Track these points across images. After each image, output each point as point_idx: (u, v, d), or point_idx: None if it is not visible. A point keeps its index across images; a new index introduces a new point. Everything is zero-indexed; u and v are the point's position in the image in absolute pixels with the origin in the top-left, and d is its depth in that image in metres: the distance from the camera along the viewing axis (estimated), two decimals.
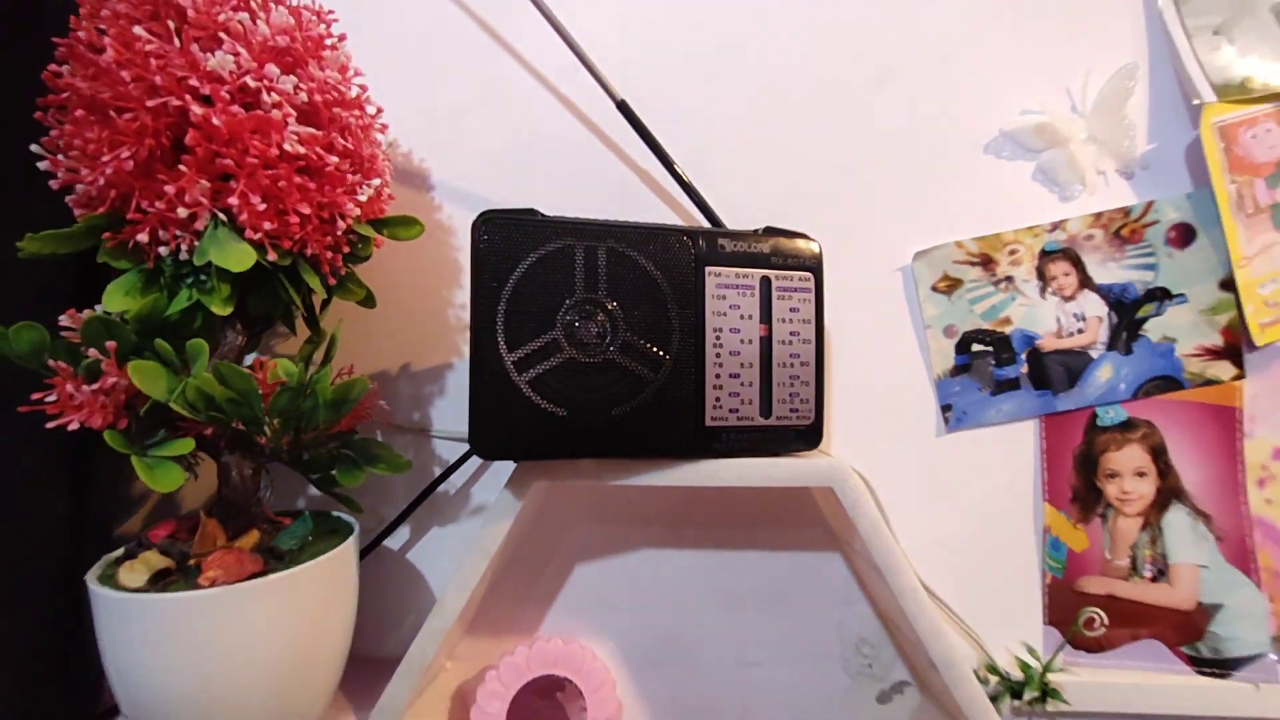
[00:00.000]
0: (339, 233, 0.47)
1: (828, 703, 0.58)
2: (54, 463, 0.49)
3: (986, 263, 0.58)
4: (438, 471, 0.59)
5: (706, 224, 0.57)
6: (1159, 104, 0.57)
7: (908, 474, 0.58)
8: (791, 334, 0.48)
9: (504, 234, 0.44)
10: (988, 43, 0.59)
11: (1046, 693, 0.52)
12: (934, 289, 0.58)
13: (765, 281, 0.48)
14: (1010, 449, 0.57)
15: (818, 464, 0.47)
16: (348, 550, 0.48)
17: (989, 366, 0.57)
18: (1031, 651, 0.54)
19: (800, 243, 0.49)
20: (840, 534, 0.57)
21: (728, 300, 0.47)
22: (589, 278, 0.45)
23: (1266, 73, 0.55)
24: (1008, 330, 0.57)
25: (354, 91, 0.48)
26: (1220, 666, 0.53)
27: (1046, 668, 0.53)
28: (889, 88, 0.59)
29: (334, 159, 0.44)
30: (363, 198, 0.47)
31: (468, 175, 0.61)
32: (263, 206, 0.41)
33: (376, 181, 0.49)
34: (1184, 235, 0.56)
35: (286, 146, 0.41)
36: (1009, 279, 0.58)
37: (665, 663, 0.59)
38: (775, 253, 0.48)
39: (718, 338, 0.46)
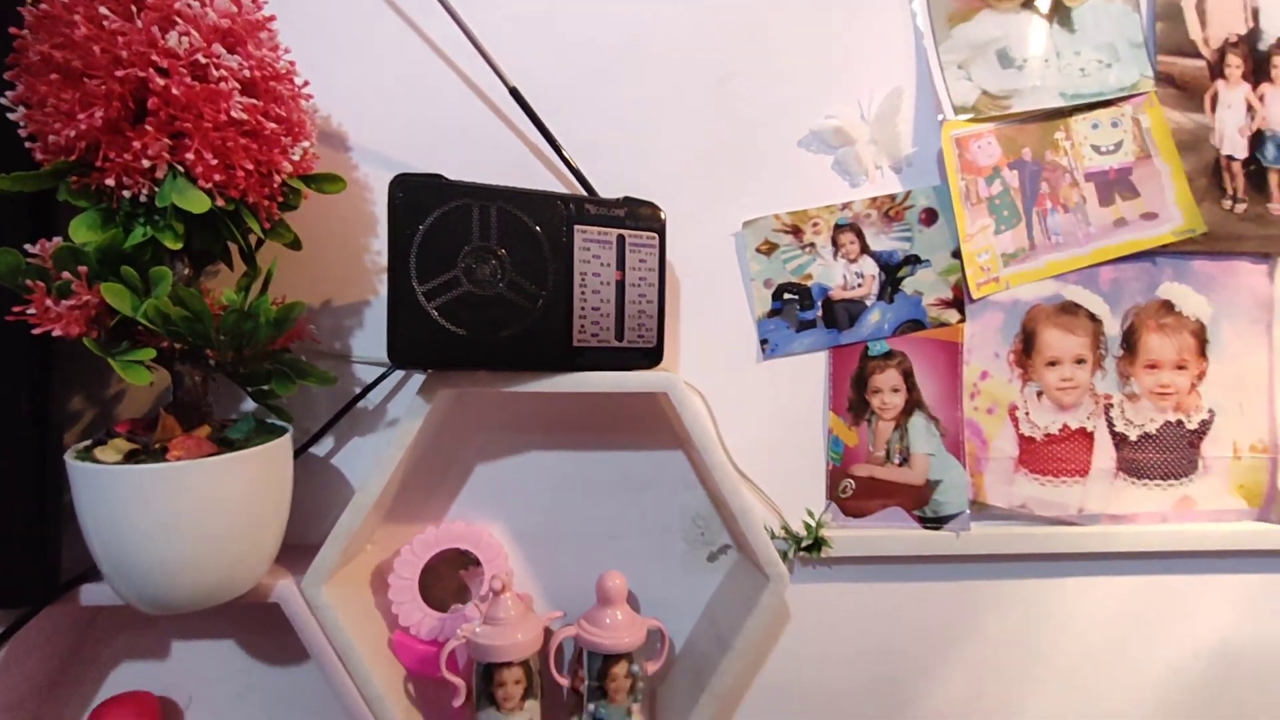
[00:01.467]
0: (275, 185, 0.57)
1: (671, 563, 0.77)
2: (17, 372, 0.57)
3: (796, 231, 0.76)
4: (357, 391, 0.72)
5: (583, 192, 0.71)
6: (922, 118, 0.77)
7: (736, 390, 0.76)
8: (640, 279, 0.64)
9: (414, 192, 0.56)
10: (803, 61, 0.76)
11: (819, 542, 0.73)
12: (757, 250, 0.76)
13: (621, 239, 0.63)
14: (808, 372, 0.77)
15: (657, 376, 0.64)
16: (285, 442, 0.60)
17: (796, 311, 0.76)
18: (811, 514, 0.75)
19: (649, 210, 0.65)
20: (681, 435, 0.75)
21: (591, 251, 0.62)
22: (483, 230, 0.58)
23: (990, 100, 0.76)
24: (809, 284, 0.76)
25: (283, 66, 0.58)
26: (937, 522, 0.76)
27: (819, 525, 0.74)
28: (731, 89, 0.76)
29: (271, 124, 0.55)
30: (295, 156, 0.57)
31: (387, 144, 0.72)
32: (214, 162, 0.51)
33: (306, 144, 0.59)
34: (930, 217, 0.76)
35: (233, 113, 0.52)
36: (812, 245, 0.76)
37: (548, 540, 0.76)
38: (630, 216, 0.64)
39: (583, 280, 0.62)
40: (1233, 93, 0.79)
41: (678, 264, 0.76)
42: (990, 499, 0.77)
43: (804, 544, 0.73)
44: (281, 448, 0.59)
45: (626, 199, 0.64)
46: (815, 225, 0.76)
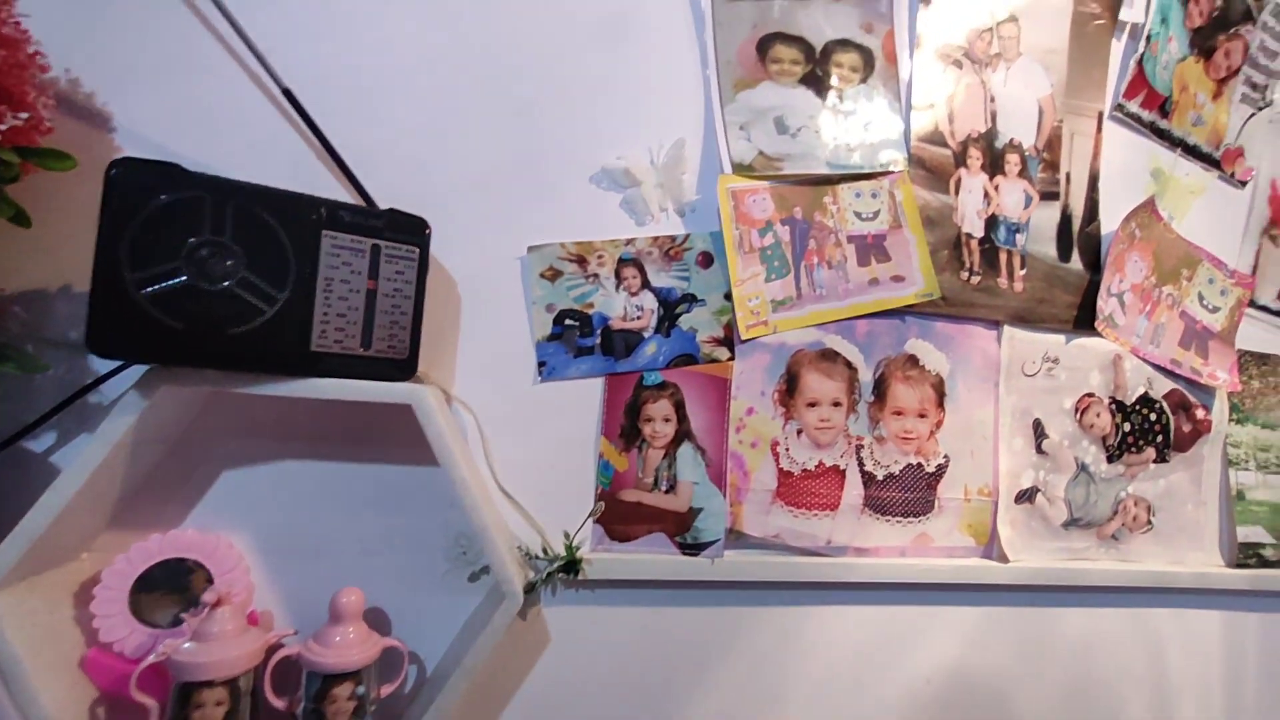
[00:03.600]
0: None
1: (431, 582, 0.75)
2: None
3: (581, 261, 0.80)
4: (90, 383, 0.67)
5: (360, 200, 0.71)
6: (706, 168, 0.83)
7: (512, 409, 0.77)
8: (395, 290, 0.64)
9: (137, 175, 0.54)
10: (600, 102, 0.81)
11: (574, 563, 0.74)
12: (542, 276, 0.78)
13: (376, 248, 0.63)
14: (584, 397, 0.79)
15: (402, 387, 0.64)
16: None
17: (575, 336, 0.79)
18: (567, 536, 0.76)
19: (414, 224, 0.66)
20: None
21: (341, 258, 0.62)
22: (215, 223, 0.57)
23: (765, 161, 0.83)
24: (591, 312, 0.80)
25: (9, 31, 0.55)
26: (695, 549, 0.80)
27: (573, 546, 0.75)
28: (529, 120, 0.79)
29: None
30: (3, 126, 0.54)
31: (156, 130, 0.69)
32: None
33: (26, 115, 0.56)
34: (707, 260, 0.82)
35: None
36: (596, 275, 0.80)
37: (297, 554, 0.72)
38: (390, 228, 0.64)
39: (328, 285, 0.61)
40: (973, 180, 0.92)
41: (462, 282, 0.77)
42: (747, 528, 0.82)
43: (560, 565, 0.74)
44: None
45: (391, 211, 0.65)
46: (600, 257, 0.80)
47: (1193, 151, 1.01)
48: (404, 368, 0.65)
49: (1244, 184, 1.04)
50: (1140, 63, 0.98)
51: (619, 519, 0.79)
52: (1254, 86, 1.04)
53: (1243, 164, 1.03)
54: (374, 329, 0.63)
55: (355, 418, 0.73)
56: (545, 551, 0.75)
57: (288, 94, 0.67)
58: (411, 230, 0.65)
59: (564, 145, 0.79)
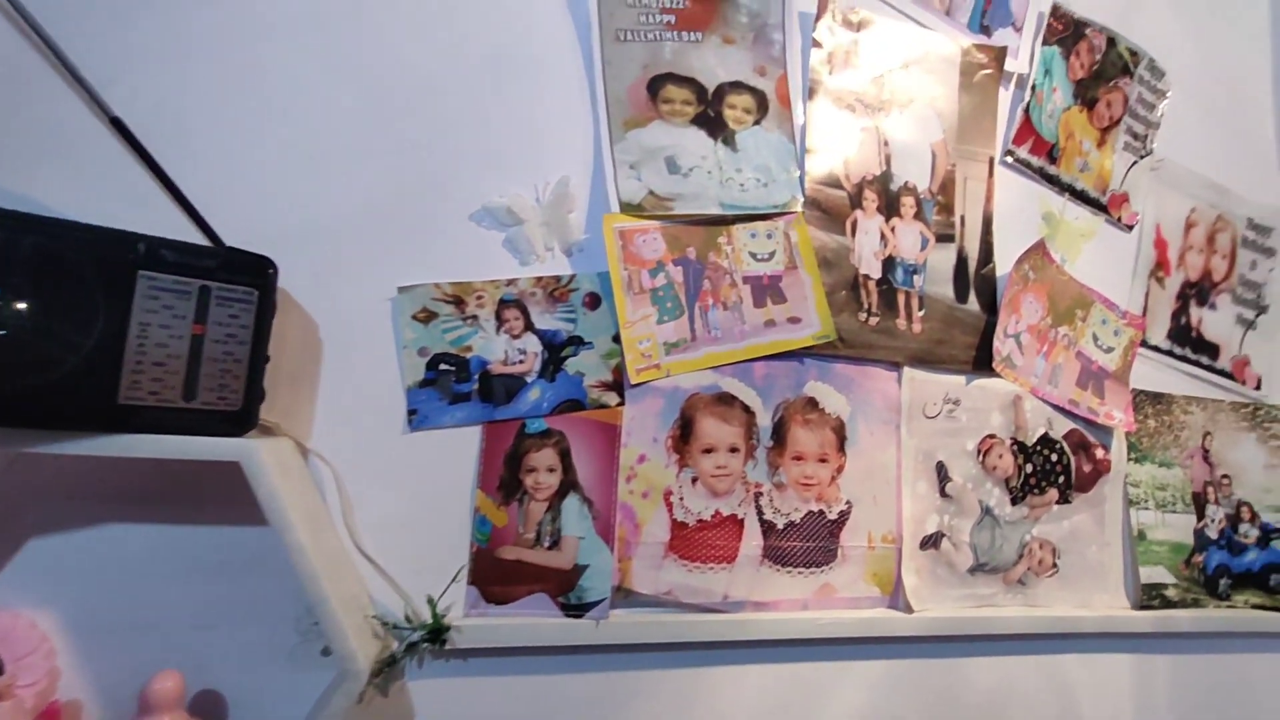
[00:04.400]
0: None
1: (279, 658, 0.67)
2: None
3: (459, 302, 0.75)
4: None
5: (206, 239, 0.66)
6: (596, 207, 0.81)
7: (377, 462, 0.71)
8: (229, 336, 0.59)
9: None
10: (487, 139, 0.78)
11: (440, 631, 0.68)
12: (414, 318, 0.74)
13: (205, 290, 0.58)
14: (459, 447, 0.74)
15: (228, 444, 0.57)
16: None
17: (450, 382, 0.74)
18: (432, 601, 0.70)
19: (254, 263, 0.60)
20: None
21: (161, 301, 0.56)
22: (6, 263, 0.51)
23: (656, 200, 0.82)
24: (468, 356, 0.75)
25: None
26: (580, 610, 0.74)
27: (437, 612, 0.69)
28: (408, 155, 0.75)
29: None
30: None
31: None
32: None
33: None
34: (594, 301, 0.79)
35: None
36: (474, 317, 0.76)
37: (119, 630, 0.64)
38: (224, 268, 0.59)
39: (143, 330, 0.55)
40: (870, 222, 0.92)
41: (326, 325, 0.71)
42: (637, 585, 0.77)
43: (424, 634, 0.68)
44: None
45: (226, 249, 0.60)
46: (479, 298, 0.76)
47: (1081, 196, 1.04)
48: (237, 421, 0.59)
49: (1130, 228, 1.07)
50: (1026, 111, 1.01)
51: (496, 579, 0.73)
52: (1135, 136, 1.09)
53: (1128, 208, 1.07)
54: (199, 379, 0.57)
55: (188, 474, 0.65)
56: (408, 619, 0.69)
57: (116, 123, 0.61)
58: (251, 270, 0.60)
59: (444, 182, 0.76)
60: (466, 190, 0.77)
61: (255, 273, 0.60)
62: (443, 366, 0.74)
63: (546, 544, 0.75)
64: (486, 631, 0.71)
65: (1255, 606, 1.03)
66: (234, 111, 0.70)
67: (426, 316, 0.74)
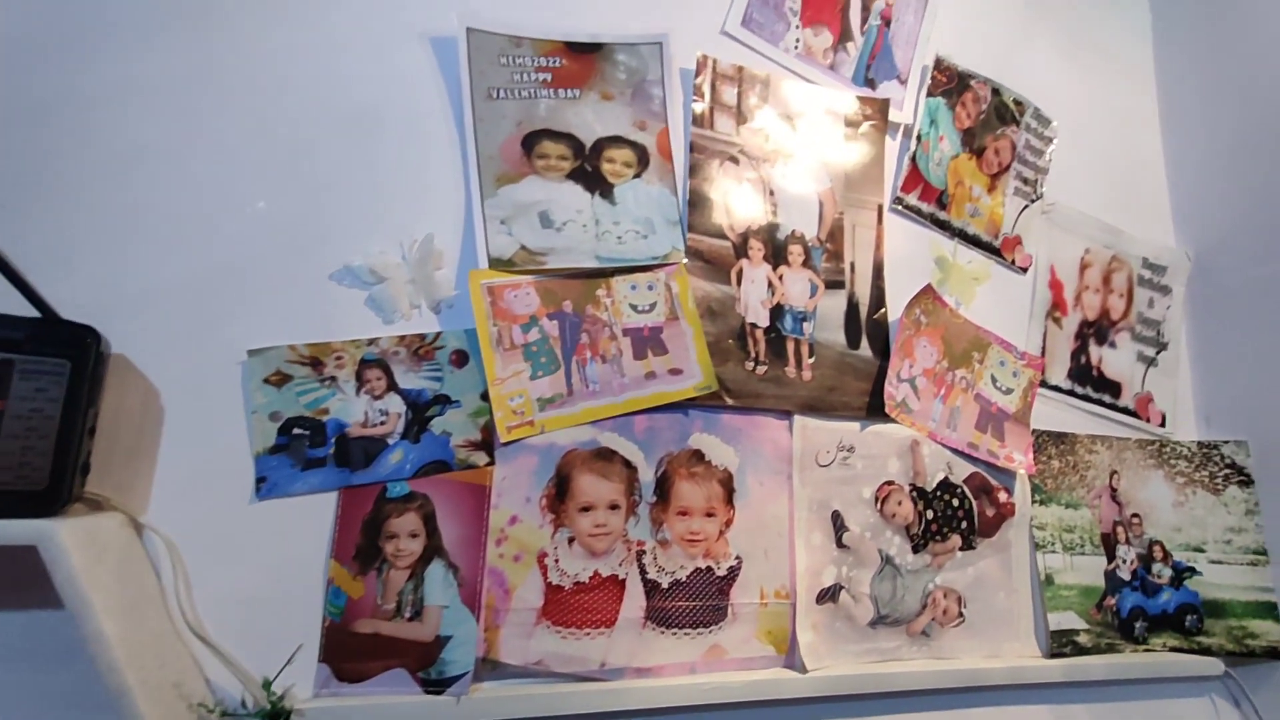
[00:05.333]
0: None
1: None
2: None
3: (316, 364, 0.73)
4: None
5: (34, 309, 0.63)
6: (465, 264, 0.80)
7: (220, 535, 0.68)
8: (34, 410, 0.56)
9: None
10: (352, 197, 0.77)
11: (280, 717, 0.63)
12: (266, 381, 0.71)
13: (7, 363, 0.55)
14: (313, 515, 0.71)
15: (25, 525, 0.54)
16: None
17: (304, 447, 0.71)
18: (267, 683, 0.65)
19: (71, 334, 0.58)
20: None
21: None
22: None
23: (527, 255, 0.81)
24: (324, 419, 0.73)
25: None
26: (440, 685, 0.70)
27: (275, 697, 0.64)
28: (262, 217, 0.74)
29: None
30: None
31: None
32: None
33: None
34: (462, 358, 0.78)
35: None
36: (333, 378, 0.74)
37: None
38: (33, 339, 0.57)
39: None
40: (756, 270, 0.92)
41: (169, 393, 0.69)
42: (505, 656, 0.73)
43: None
44: None
45: (39, 320, 0.58)
46: (339, 359, 0.74)
47: (973, 240, 1.06)
48: (43, 500, 0.55)
49: (1025, 270, 1.09)
50: (914, 160, 1.03)
51: (350, 655, 0.69)
52: (1025, 181, 1.11)
53: (1021, 251, 1.09)
54: None
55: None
56: (244, 704, 0.64)
57: None
58: (64, 342, 0.58)
59: (304, 243, 0.75)
60: (330, 250, 0.76)
61: (70, 344, 0.58)
62: (296, 431, 0.71)
63: (407, 615, 0.71)
64: (336, 713, 0.66)
65: (1172, 649, 1.01)
66: (74, 177, 0.68)
67: (280, 379, 0.72)
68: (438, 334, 0.77)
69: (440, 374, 0.77)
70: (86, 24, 0.73)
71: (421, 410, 0.75)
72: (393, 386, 0.75)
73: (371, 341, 0.75)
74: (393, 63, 0.82)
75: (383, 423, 0.74)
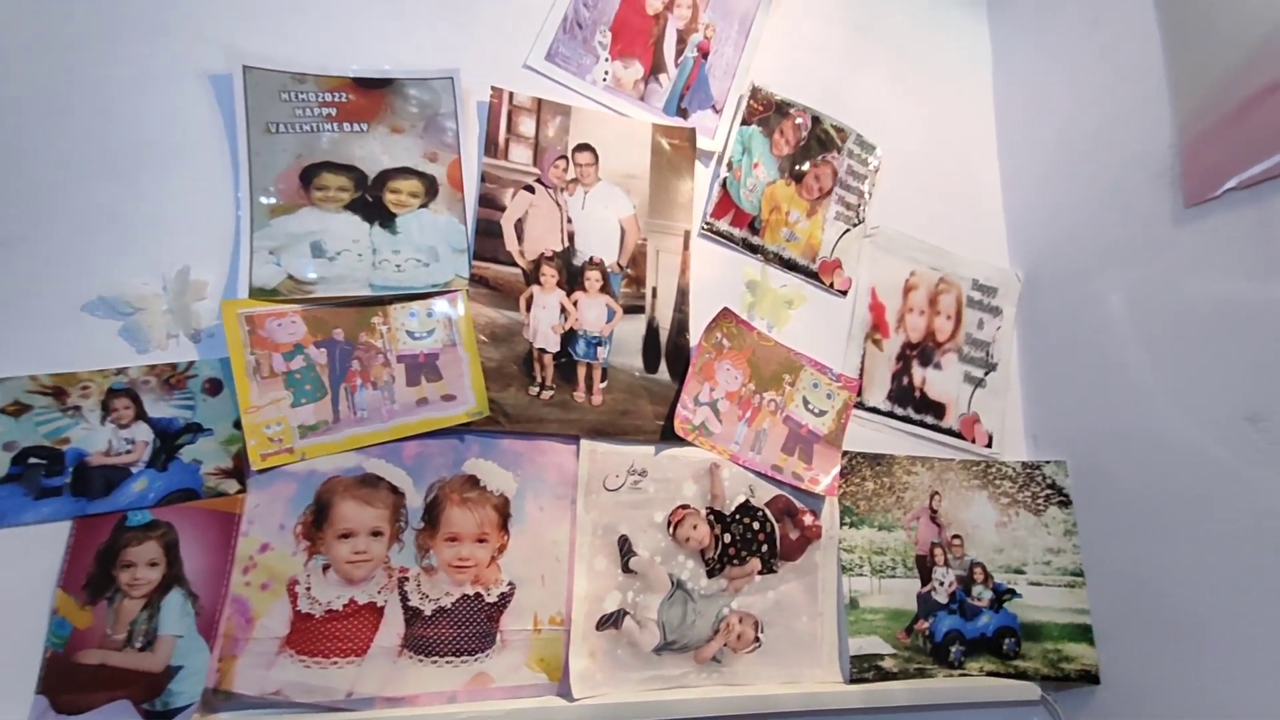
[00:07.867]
0: None
1: None
2: None
3: (59, 394, 0.74)
4: None
5: None
6: (230, 294, 0.81)
7: None
8: None
9: None
10: (110, 231, 0.79)
11: None
12: (2, 411, 0.72)
13: None
14: (43, 545, 0.71)
15: None
16: None
17: (39, 477, 0.72)
18: None
19: None
20: None
21: None
22: None
23: (294, 284, 0.82)
24: (64, 448, 0.73)
25: None
26: (165, 717, 0.70)
27: None
28: (13, 248, 0.76)
29: None
30: None
31: None
32: None
33: None
34: (215, 387, 0.78)
35: None
36: (77, 408, 0.74)
37: None
38: None
39: None
40: (548, 296, 0.93)
41: None
42: (239, 686, 0.72)
43: None
44: None
45: None
46: (84, 388, 0.75)
47: (788, 264, 1.07)
48: None
49: (844, 293, 1.10)
50: (725, 186, 1.05)
51: (71, 686, 0.69)
52: (847, 205, 1.13)
53: (840, 274, 1.10)
54: None
55: None
56: None
57: None
58: None
59: (54, 275, 0.76)
60: (92, 281, 0.77)
61: None
62: (31, 460, 0.72)
63: (139, 645, 0.71)
64: None
65: (989, 673, 1.00)
66: None
67: (18, 409, 0.72)
68: (190, 363, 0.78)
69: (192, 402, 0.77)
70: None
71: (172, 439, 0.76)
72: (141, 415, 0.76)
73: (120, 371, 0.76)
74: (168, 98, 0.84)
75: (128, 451, 0.75)
